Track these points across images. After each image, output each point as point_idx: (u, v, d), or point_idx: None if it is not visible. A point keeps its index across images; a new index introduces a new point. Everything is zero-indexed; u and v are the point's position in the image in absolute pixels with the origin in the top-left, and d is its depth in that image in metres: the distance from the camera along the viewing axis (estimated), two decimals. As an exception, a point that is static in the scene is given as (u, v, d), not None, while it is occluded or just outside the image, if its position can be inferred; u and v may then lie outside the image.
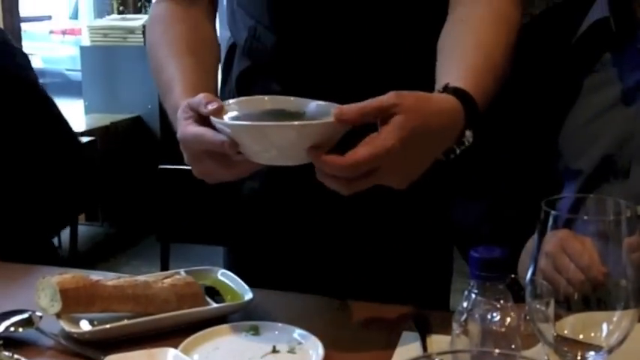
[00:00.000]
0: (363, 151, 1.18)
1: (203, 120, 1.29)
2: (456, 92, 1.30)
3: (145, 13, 6.28)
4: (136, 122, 5.71)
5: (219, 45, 1.67)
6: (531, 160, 1.65)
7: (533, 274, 1.02)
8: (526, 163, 1.65)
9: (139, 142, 5.67)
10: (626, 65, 1.57)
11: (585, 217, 1.01)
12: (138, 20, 5.82)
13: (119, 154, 5.59)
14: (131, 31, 5.72)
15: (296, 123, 1.26)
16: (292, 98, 1.37)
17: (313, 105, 1.34)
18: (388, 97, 1.21)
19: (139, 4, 6.43)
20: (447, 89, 1.30)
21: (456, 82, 1.32)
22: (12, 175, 2.08)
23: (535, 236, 1.03)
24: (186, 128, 1.29)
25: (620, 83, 1.57)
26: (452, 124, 1.28)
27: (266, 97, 1.40)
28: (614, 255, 0.99)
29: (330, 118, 1.23)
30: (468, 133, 1.29)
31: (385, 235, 1.71)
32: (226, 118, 1.29)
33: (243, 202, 1.78)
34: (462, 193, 1.73)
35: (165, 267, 2.20)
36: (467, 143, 1.29)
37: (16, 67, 2.15)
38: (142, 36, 5.66)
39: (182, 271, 1.56)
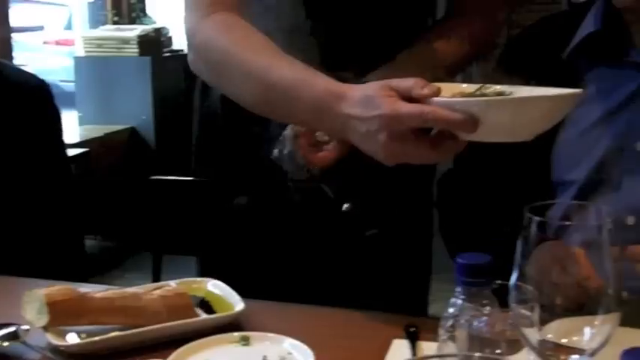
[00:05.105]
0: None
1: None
2: None
3: (140, 23, 6.27)
4: (131, 133, 5.70)
5: None
6: (526, 172, 1.64)
7: (518, 279, 1.03)
8: (520, 176, 1.65)
9: (133, 154, 5.66)
10: (617, 78, 1.57)
11: (567, 224, 1.02)
12: (133, 31, 5.81)
13: (113, 165, 5.58)
14: (126, 41, 5.71)
15: (551, 94, 1.27)
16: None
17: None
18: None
19: (134, 15, 6.41)
20: None
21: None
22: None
23: (519, 242, 1.04)
24: (399, 104, 1.26)
25: (612, 96, 1.57)
26: None
27: (454, 84, 1.38)
28: (596, 261, 1.00)
29: (574, 90, 1.26)
30: None
31: (369, 245, 1.73)
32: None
33: (234, 215, 1.79)
34: (453, 210, 1.74)
35: (156, 279, 2.20)
36: None
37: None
38: (136, 46, 5.66)
39: (172, 283, 1.56)
